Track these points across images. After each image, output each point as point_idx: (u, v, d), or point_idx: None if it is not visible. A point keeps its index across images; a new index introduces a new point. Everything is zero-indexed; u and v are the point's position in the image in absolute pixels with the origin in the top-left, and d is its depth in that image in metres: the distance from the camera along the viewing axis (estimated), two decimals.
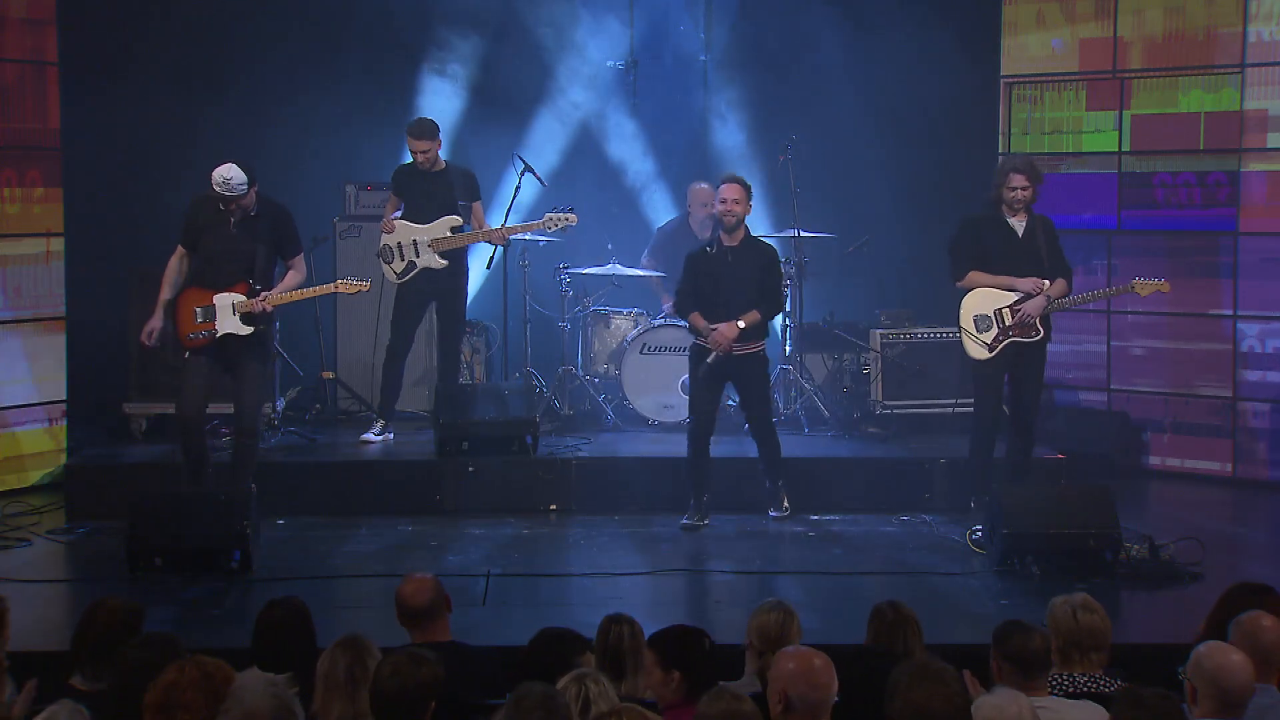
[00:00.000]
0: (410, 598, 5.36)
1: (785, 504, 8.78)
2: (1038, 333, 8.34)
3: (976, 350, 8.44)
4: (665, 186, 11.58)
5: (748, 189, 8.58)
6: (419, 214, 9.61)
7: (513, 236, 9.90)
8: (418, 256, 9.59)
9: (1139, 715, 4.01)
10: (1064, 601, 4.93)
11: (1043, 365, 8.54)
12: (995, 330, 8.37)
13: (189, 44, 10.83)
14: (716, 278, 8.51)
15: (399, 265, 9.63)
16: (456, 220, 9.59)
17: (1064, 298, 8.41)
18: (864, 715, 4.24)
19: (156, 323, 8.23)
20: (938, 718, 3.85)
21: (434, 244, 9.56)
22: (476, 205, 9.77)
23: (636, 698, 4.72)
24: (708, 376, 8.54)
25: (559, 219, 9.71)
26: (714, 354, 8.47)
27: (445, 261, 9.59)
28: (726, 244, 8.55)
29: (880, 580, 7.64)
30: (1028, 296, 8.32)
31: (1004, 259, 8.37)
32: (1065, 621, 4.86)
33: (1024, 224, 8.39)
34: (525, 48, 11.31)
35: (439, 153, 9.64)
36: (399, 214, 9.69)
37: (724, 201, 8.52)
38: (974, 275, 8.45)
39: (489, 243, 9.87)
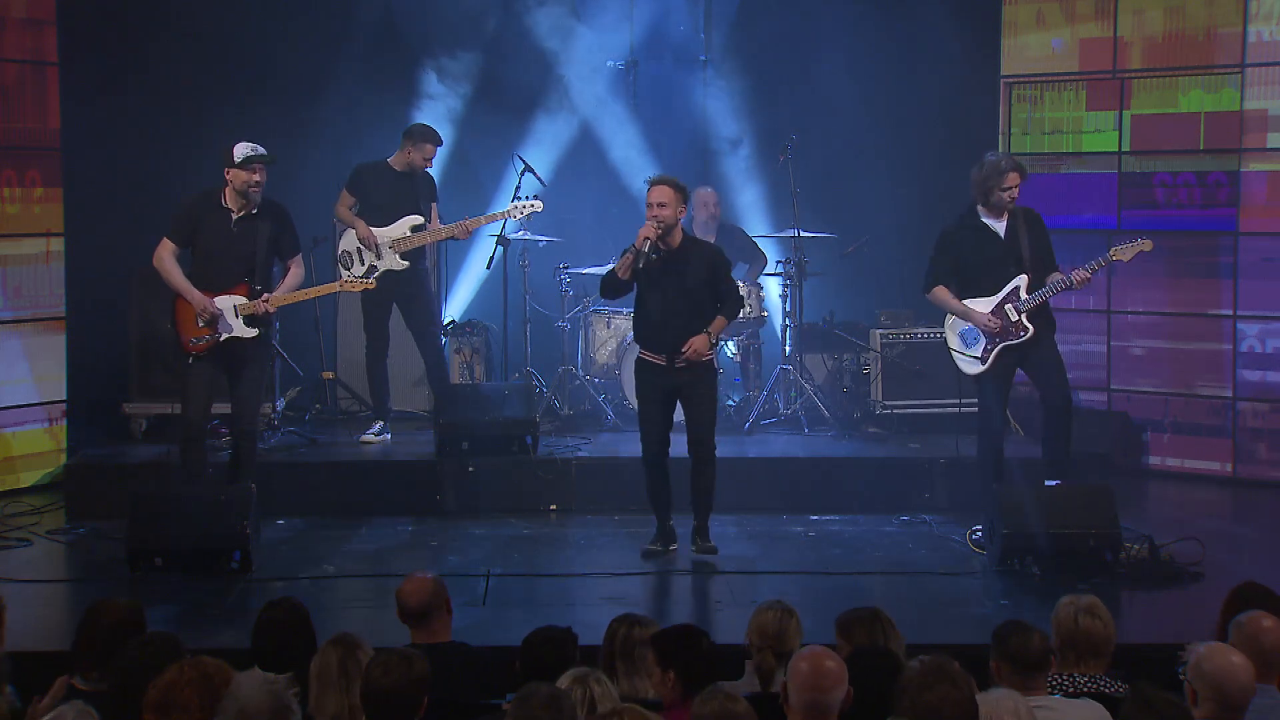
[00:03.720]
0: (410, 597, 5.37)
1: (710, 541, 8.00)
2: (1025, 331, 8.14)
3: (969, 366, 8.28)
4: None
5: (680, 190, 7.80)
6: (381, 215, 9.57)
7: (480, 229, 9.84)
8: (379, 259, 9.55)
9: (1148, 719, 4.01)
10: (1070, 603, 4.91)
11: (1056, 352, 8.22)
12: (983, 341, 8.21)
13: (189, 44, 10.82)
14: (655, 285, 7.84)
15: (359, 270, 9.56)
16: (417, 220, 9.55)
17: (1043, 289, 8.12)
18: (859, 715, 4.24)
19: (208, 299, 7.99)
20: None
21: (394, 245, 9.53)
22: (433, 206, 9.73)
23: (638, 698, 4.73)
24: (656, 393, 7.96)
25: (524, 206, 9.68)
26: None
27: (406, 263, 9.56)
28: (662, 249, 7.83)
29: (880, 580, 7.64)
30: (1004, 302, 8.18)
31: (987, 265, 8.18)
32: (1066, 623, 4.85)
33: (1004, 224, 8.17)
34: (525, 48, 11.30)
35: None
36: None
37: (650, 206, 7.77)
38: (939, 291, 8.26)
39: (452, 238, 9.83)
